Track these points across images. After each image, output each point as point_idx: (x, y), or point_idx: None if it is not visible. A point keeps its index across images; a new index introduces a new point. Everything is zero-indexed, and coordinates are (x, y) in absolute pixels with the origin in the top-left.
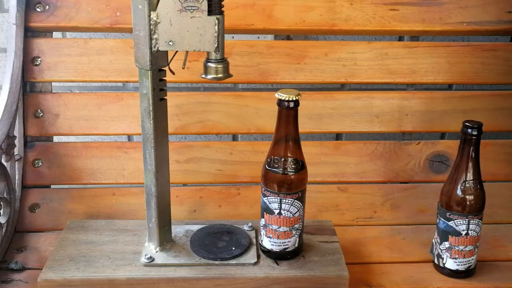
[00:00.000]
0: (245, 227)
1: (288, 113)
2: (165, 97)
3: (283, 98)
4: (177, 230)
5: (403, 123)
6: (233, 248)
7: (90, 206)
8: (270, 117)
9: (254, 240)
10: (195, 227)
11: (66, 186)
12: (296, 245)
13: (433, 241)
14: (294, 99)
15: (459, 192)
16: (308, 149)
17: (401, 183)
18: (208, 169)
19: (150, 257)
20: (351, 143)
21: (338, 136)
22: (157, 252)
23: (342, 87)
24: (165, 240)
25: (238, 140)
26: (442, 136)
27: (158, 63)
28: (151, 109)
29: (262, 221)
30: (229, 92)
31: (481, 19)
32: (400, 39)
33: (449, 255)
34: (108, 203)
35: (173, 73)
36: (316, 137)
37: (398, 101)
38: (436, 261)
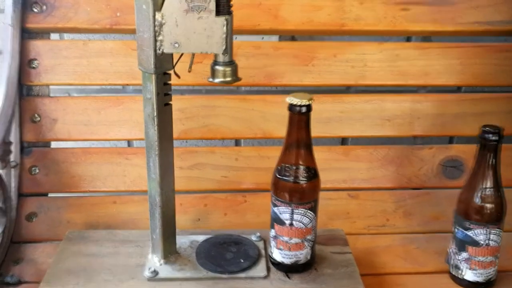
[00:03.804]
0: (253, 237)
1: (300, 119)
2: (170, 102)
3: (294, 103)
4: (182, 241)
5: (414, 126)
6: (242, 260)
7: (90, 215)
8: (276, 121)
9: (263, 252)
10: (201, 238)
11: (65, 194)
12: (309, 257)
13: (449, 250)
14: (307, 103)
15: (477, 200)
16: (317, 154)
17: (413, 189)
18: (213, 175)
19: (154, 270)
20: (361, 148)
21: (347, 141)
22: (161, 265)
23: (350, 89)
24: (170, 252)
25: (243, 145)
26: (453, 140)
27: (163, 66)
28: (155, 114)
29: (272, 232)
30: (234, 95)
31: (493, 19)
32: (409, 39)
33: (467, 266)
34: (109, 212)
35: (179, 77)
36: (324, 142)
37: (409, 104)
38: (453, 272)
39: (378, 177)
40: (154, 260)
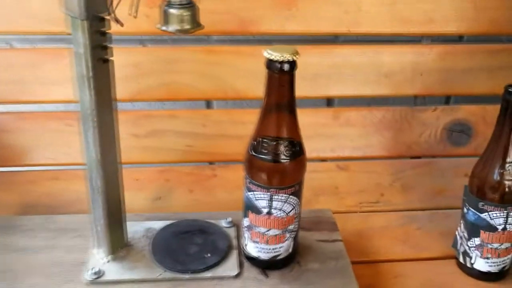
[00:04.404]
0: (224, 223)
1: (281, 79)
2: (109, 58)
3: (274, 59)
4: (135, 229)
5: (416, 84)
6: (208, 255)
7: (25, 195)
8: (252, 77)
9: (234, 242)
10: (159, 225)
11: None
12: (290, 250)
13: (457, 234)
14: (290, 59)
15: (496, 176)
16: (300, 119)
17: (413, 158)
18: (176, 144)
19: (99, 270)
20: (353, 110)
21: (336, 102)
22: (107, 262)
23: (339, 39)
24: (119, 245)
25: (212, 107)
26: (460, 100)
27: (97, 8)
28: (90, 75)
29: (246, 222)
30: (201, 46)
31: None
32: None
33: (479, 254)
34: (49, 191)
35: (121, 24)
36: (309, 103)
37: (411, 57)
38: (461, 260)
39: (372, 145)
40: (99, 256)
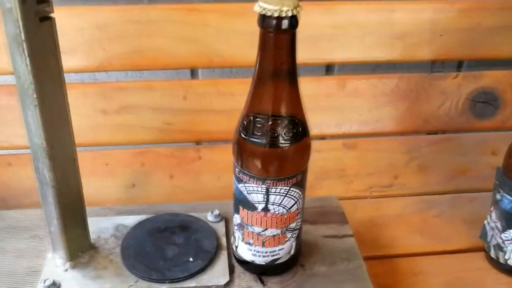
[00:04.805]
0: (210, 217)
1: (278, 39)
2: (48, 15)
3: (269, 13)
4: (102, 227)
5: (435, 47)
6: (190, 259)
7: None
8: (241, 41)
9: (224, 241)
10: (131, 220)
11: None
12: (292, 252)
13: (487, 224)
14: (289, 14)
15: None
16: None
17: (431, 133)
18: (152, 122)
19: (53, 282)
20: (361, 78)
21: (340, 68)
22: (65, 270)
23: None
24: (80, 248)
25: (196, 77)
26: (486, 65)
27: None
28: (22, 38)
29: (237, 219)
30: (179, 4)
31: None
32: None
33: None
34: (1, 179)
35: None
36: (309, 71)
37: (429, 15)
38: (493, 254)
39: (383, 119)
40: (55, 263)
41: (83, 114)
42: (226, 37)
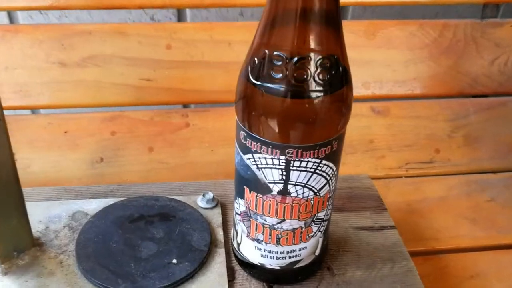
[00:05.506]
0: (201, 202)
1: None
2: None
3: None
4: (53, 214)
5: None
6: (174, 261)
7: None
8: None
9: (220, 234)
10: (93, 206)
11: None
12: (317, 252)
13: None
14: None
15: None
16: None
17: (481, 96)
18: (126, 78)
19: None
20: (396, 24)
21: (369, 12)
22: None
23: None
24: (16, 246)
25: (184, 19)
26: None
27: None
28: None
29: (240, 205)
30: None
31: None
32: None
33: None
34: None
35: None
36: None
37: None
38: None
39: (422, 77)
40: None
41: (34, 66)
42: None
